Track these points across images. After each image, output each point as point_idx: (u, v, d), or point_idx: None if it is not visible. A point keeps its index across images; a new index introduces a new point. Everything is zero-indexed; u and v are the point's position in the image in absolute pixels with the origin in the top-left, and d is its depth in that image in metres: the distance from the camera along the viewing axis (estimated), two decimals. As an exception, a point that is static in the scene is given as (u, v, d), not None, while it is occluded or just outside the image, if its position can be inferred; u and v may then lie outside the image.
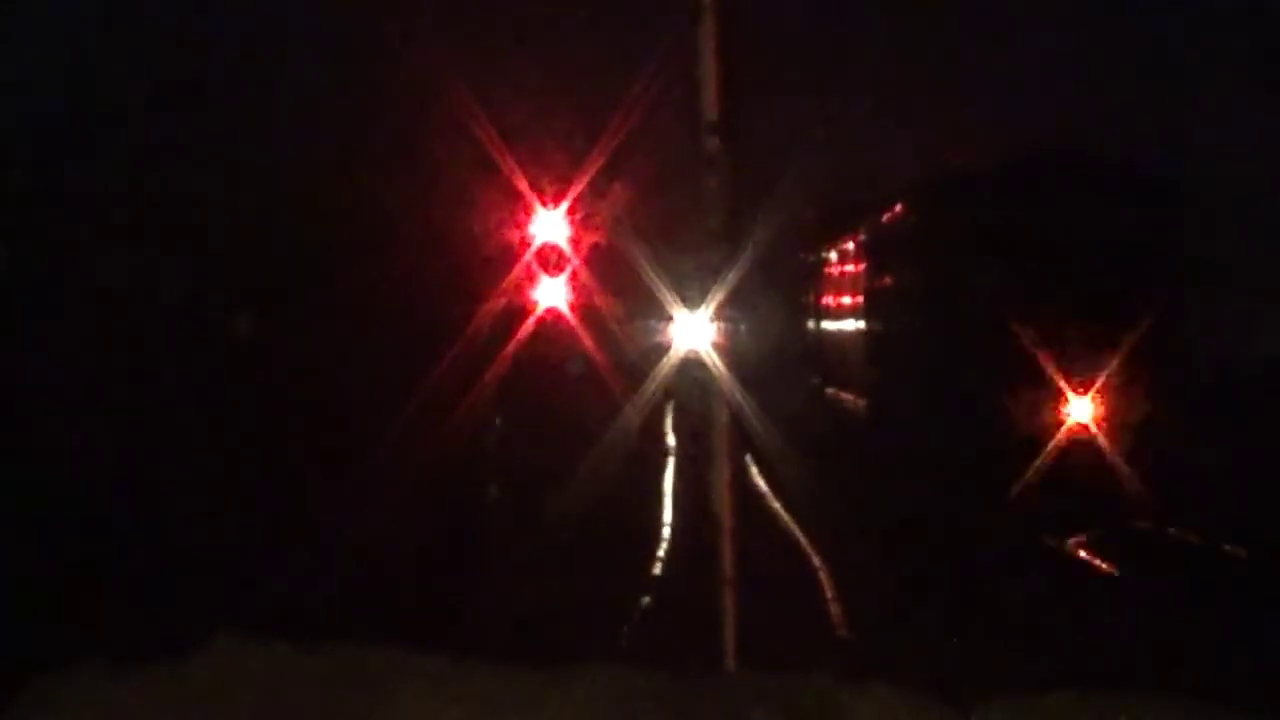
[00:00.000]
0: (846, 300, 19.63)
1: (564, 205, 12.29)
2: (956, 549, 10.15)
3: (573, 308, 12.98)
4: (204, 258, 12.93)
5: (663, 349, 10.38)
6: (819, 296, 21.70)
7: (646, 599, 9.37)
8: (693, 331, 8.91)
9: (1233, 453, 12.07)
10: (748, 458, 11.53)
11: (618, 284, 12.78)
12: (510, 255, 12.61)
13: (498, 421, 13.41)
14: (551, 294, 12.89)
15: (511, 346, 12.28)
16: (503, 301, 12.40)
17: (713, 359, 8.27)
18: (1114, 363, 12.69)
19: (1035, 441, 12.42)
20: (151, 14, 13.13)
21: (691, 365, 8.81)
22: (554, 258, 12.82)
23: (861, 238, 18.52)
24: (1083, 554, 11.07)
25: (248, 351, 13.48)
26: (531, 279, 12.79)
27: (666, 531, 11.52)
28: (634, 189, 12.15)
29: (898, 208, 16.42)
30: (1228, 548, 10.55)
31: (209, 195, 13.04)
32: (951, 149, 14.60)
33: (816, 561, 10.67)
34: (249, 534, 9.74)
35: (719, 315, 8.58)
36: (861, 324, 18.59)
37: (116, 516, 9.97)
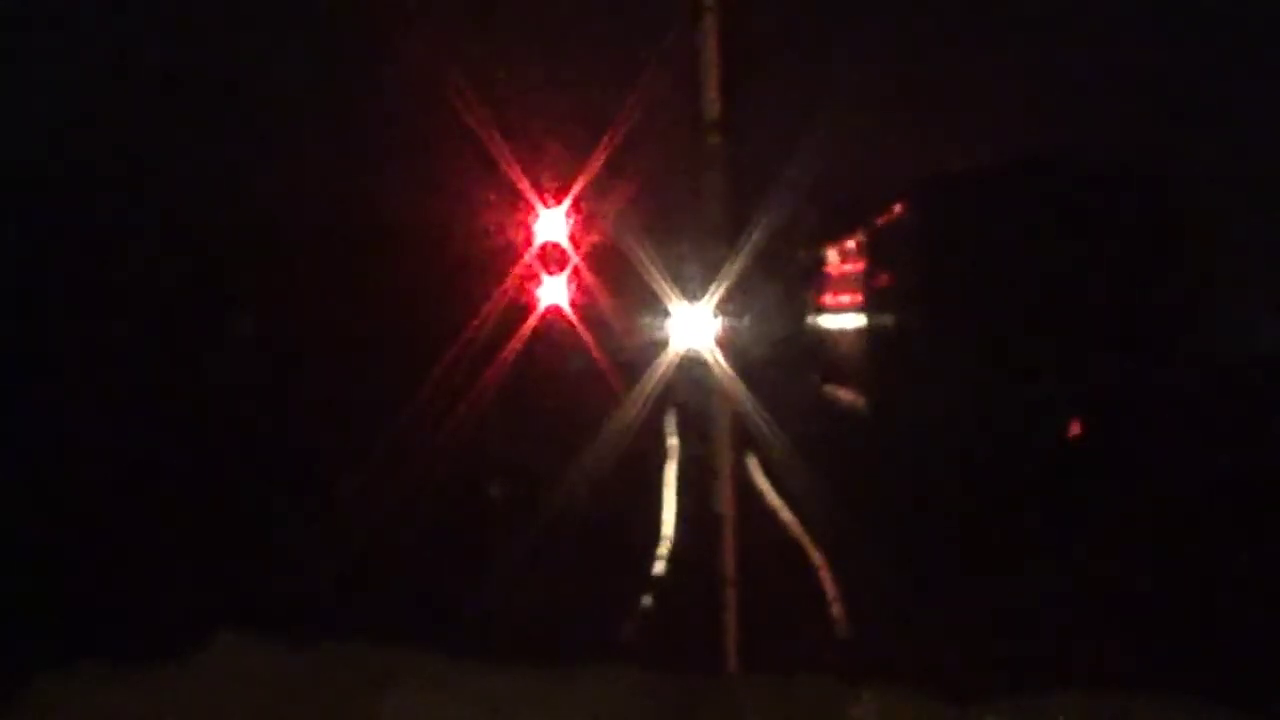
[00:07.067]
0: (846, 299, 19.65)
1: (565, 204, 12.29)
2: (958, 548, 10.15)
3: (574, 305, 12.99)
4: (201, 256, 12.93)
5: (663, 345, 10.39)
6: (819, 295, 21.71)
7: (647, 599, 9.37)
8: (693, 328, 8.91)
9: (1234, 453, 12.07)
10: (748, 457, 11.52)
11: (619, 281, 12.78)
12: (511, 254, 12.61)
13: (498, 419, 13.40)
14: (552, 292, 12.90)
15: (512, 345, 12.28)
16: (503, 300, 12.41)
17: (714, 355, 8.28)
18: (1112, 362, 12.70)
19: (1034, 440, 12.43)
20: (151, 10, 13.13)
21: (692, 362, 8.83)
22: (555, 256, 12.83)
23: (861, 237, 18.53)
24: (1082, 554, 11.08)
25: (246, 350, 13.49)
26: (532, 277, 12.80)
27: (668, 531, 11.52)
28: (635, 187, 12.14)
29: (897, 208, 16.43)
30: (1228, 548, 10.55)
31: (206, 193, 13.04)
32: (951, 149, 14.60)
33: (818, 560, 10.68)
34: (249, 533, 9.74)
35: (720, 312, 8.60)
36: (861, 322, 18.61)
37: (117, 516, 9.97)
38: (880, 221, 17.67)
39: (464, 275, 12.77)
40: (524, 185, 12.06)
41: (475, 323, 12.09)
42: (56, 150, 12.94)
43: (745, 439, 8.72)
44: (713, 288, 7.94)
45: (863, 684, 5.23)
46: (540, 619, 7.89)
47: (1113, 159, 14.08)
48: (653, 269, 10.20)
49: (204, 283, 13.10)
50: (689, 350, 9.00)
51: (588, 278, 13.08)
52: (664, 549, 10.92)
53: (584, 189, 12.09)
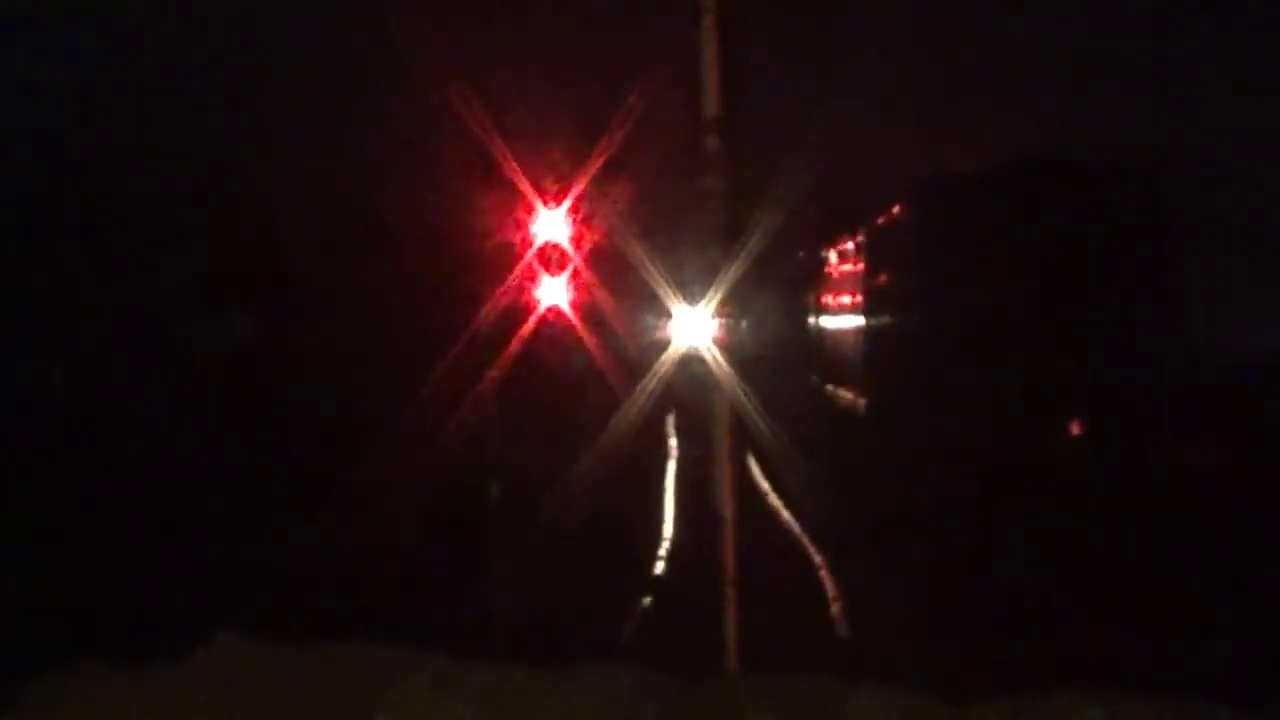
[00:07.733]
0: (846, 299, 19.66)
1: (565, 204, 12.29)
2: (956, 547, 10.15)
3: (574, 306, 12.98)
4: (206, 257, 12.93)
5: (664, 346, 10.37)
6: (818, 295, 21.73)
7: (648, 599, 9.37)
8: (694, 329, 8.90)
9: (1229, 450, 12.08)
10: (749, 456, 11.53)
11: (619, 282, 12.77)
12: (512, 254, 12.61)
13: (499, 419, 13.40)
14: (553, 292, 12.89)
15: (513, 345, 12.28)
16: (504, 301, 12.40)
17: (714, 355, 8.27)
18: (1110, 362, 12.71)
19: (1032, 439, 12.43)
20: (156, 12, 13.13)
21: (693, 362, 8.81)
22: (555, 256, 12.82)
23: (861, 237, 18.54)
24: (1079, 552, 11.07)
25: (249, 351, 13.49)
26: (533, 278, 12.79)
27: (668, 530, 11.52)
28: (635, 188, 12.14)
29: (897, 208, 16.43)
30: (1224, 545, 10.55)
31: (210, 194, 13.04)
32: (951, 149, 14.61)
33: (818, 560, 10.68)
34: (250, 533, 9.74)
35: (720, 312, 8.59)
36: (860, 322, 18.62)
37: (117, 516, 9.97)
38: (880, 221, 17.69)
39: (466, 276, 12.77)
40: (525, 186, 12.07)
41: (476, 324, 12.09)
42: (59, 150, 12.94)
43: (745, 439, 8.70)
44: (713, 289, 7.93)
45: (863, 684, 5.21)
46: (541, 619, 7.88)
47: (1111, 158, 14.11)
48: (653, 270, 10.19)
49: (204, 283, 13.11)
50: (690, 350, 8.99)
51: (588, 278, 13.09)
52: (664, 549, 10.92)
53: (585, 190, 12.09)
